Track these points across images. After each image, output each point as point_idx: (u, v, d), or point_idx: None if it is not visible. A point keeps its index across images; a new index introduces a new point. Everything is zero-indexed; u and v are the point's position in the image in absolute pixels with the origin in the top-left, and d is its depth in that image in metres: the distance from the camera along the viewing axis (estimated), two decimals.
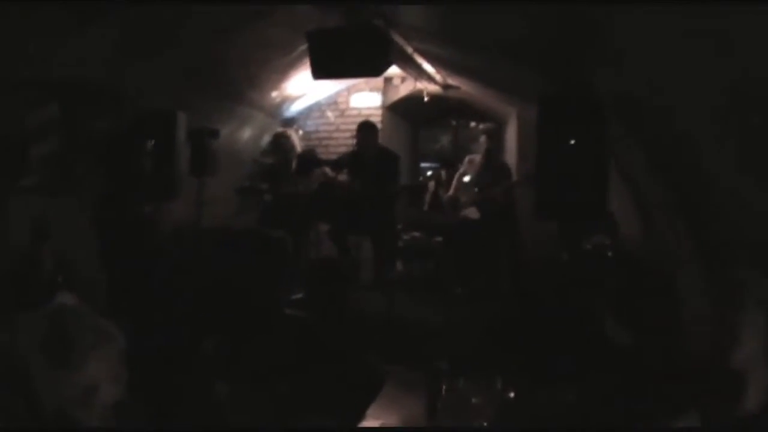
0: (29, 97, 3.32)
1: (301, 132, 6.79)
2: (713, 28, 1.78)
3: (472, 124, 7.47)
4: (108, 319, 1.64)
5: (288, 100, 6.31)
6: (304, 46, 4.33)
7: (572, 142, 3.19)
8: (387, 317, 4.42)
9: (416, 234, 5.91)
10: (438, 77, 5.90)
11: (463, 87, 6.21)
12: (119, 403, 1.54)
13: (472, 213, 5.59)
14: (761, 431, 1.60)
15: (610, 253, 3.69)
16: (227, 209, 5.65)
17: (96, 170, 4.03)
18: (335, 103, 7.01)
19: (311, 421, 2.17)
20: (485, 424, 1.94)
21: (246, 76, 5.13)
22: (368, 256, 5.46)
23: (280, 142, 6.13)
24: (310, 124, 7.03)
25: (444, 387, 2.00)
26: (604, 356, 2.71)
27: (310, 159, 5.88)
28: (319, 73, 4.23)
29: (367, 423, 2.07)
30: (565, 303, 3.66)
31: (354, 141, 5.65)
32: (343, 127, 6.92)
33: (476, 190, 5.55)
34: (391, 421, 2.09)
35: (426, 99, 6.48)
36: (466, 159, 5.86)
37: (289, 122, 6.70)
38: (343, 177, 5.43)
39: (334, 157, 6.07)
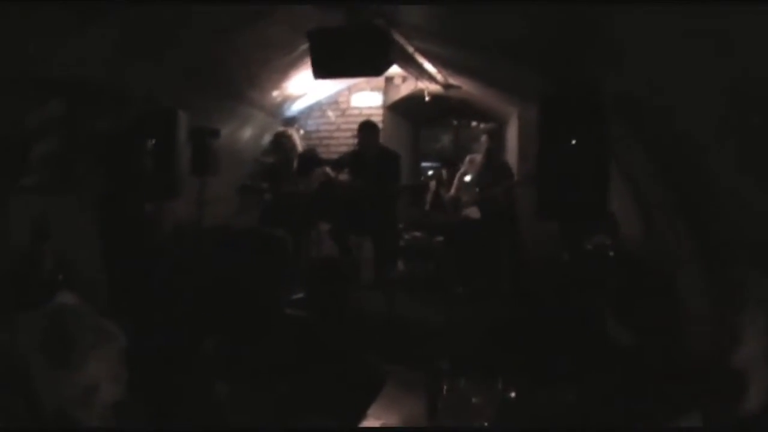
0: (29, 97, 3.32)
1: (302, 131, 6.78)
2: (713, 28, 1.78)
3: (473, 123, 7.49)
4: (108, 319, 1.65)
5: (289, 99, 6.31)
6: (304, 46, 4.33)
7: (573, 142, 3.20)
8: (388, 317, 4.43)
9: (417, 234, 5.92)
10: (439, 77, 5.89)
11: (464, 87, 6.21)
12: (119, 403, 1.55)
13: (473, 213, 5.59)
14: (762, 431, 1.60)
15: (610, 253, 3.69)
16: (228, 209, 5.66)
17: (96, 170, 4.03)
18: (336, 102, 7.01)
19: (311, 421, 2.17)
20: (486, 424, 1.93)
21: (246, 76, 5.12)
22: (369, 256, 5.45)
23: (281, 142, 6.12)
24: (311, 124, 7.03)
25: (444, 387, 2.00)
26: (604, 356, 2.70)
27: (311, 158, 5.88)
28: (319, 72, 4.22)
29: (367, 423, 2.07)
30: (566, 303, 3.65)
31: (355, 140, 5.65)
32: (344, 126, 6.92)
33: (477, 189, 5.56)
34: (392, 421, 2.09)
35: (427, 99, 6.48)
36: (467, 159, 5.87)
37: (290, 122, 6.70)
38: (344, 176, 5.43)
39: (335, 156, 6.08)
